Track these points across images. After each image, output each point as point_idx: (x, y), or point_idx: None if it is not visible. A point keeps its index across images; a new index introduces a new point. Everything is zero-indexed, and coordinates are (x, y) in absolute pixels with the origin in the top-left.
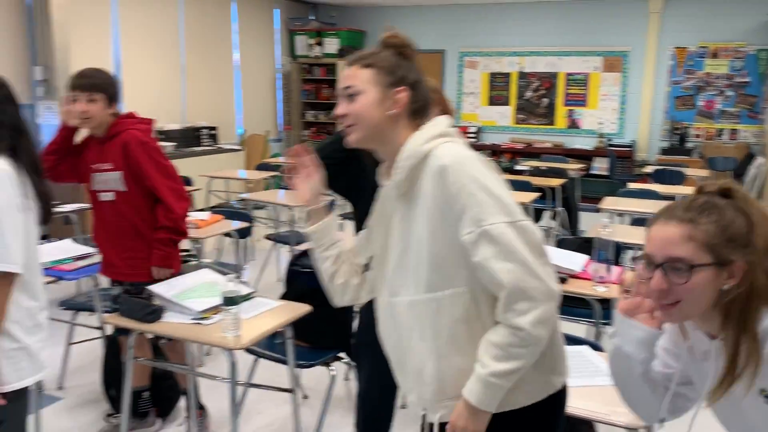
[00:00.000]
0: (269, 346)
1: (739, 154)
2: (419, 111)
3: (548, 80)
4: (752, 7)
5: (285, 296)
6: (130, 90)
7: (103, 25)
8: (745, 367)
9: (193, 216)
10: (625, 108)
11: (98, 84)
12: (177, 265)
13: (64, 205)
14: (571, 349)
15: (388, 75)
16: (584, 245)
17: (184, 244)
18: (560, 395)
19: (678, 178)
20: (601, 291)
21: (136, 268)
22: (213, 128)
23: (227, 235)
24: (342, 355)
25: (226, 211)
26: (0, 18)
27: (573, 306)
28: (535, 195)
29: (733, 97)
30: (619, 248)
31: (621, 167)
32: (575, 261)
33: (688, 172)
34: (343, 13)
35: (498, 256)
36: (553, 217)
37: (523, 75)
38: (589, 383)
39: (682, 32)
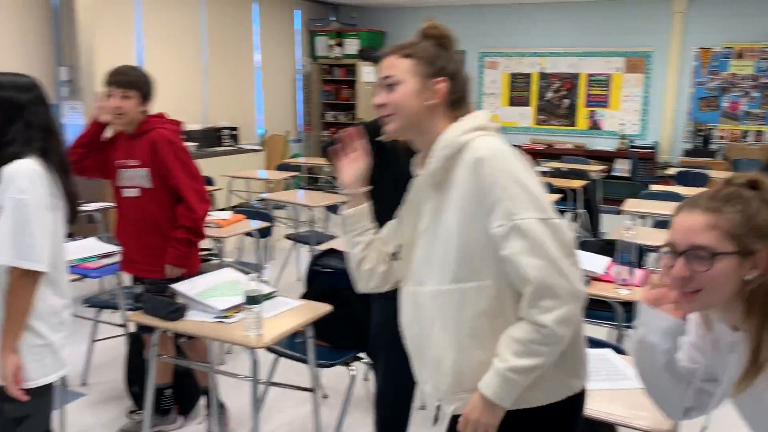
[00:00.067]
0: (290, 346)
1: (764, 155)
2: (457, 102)
3: (569, 81)
4: None
5: (305, 296)
6: None
7: (126, 26)
8: None
9: (215, 215)
10: (648, 109)
11: (134, 81)
12: (194, 265)
13: (88, 204)
14: (593, 352)
15: (428, 65)
16: (606, 247)
17: (206, 243)
18: (578, 398)
19: (701, 180)
20: (623, 294)
21: (155, 265)
22: (234, 129)
23: (248, 234)
24: (362, 355)
25: (247, 210)
26: (26, 20)
27: (595, 309)
28: (556, 197)
29: (758, 99)
30: (642, 251)
31: (643, 169)
32: (597, 263)
33: (712, 174)
34: (363, 14)
35: (527, 251)
36: (575, 219)
37: (544, 76)
38: (611, 386)
39: (706, 33)
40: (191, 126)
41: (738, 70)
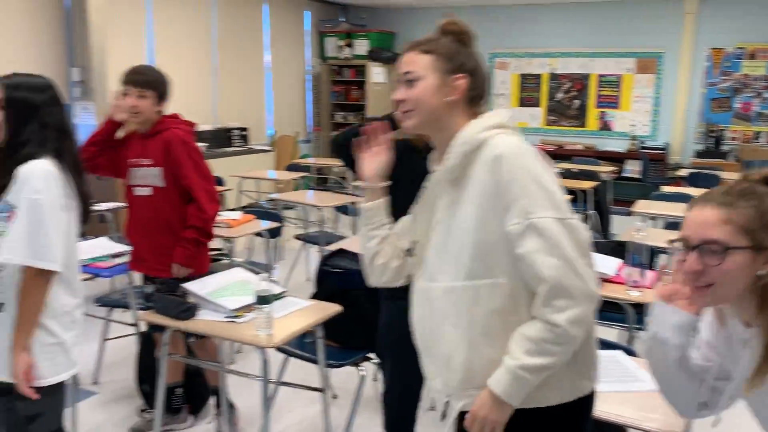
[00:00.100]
0: (299, 346)
1: None
2: (476, 99)
3: (580, 82)
4: None
5: (315, 296)
6: None
7: (138, 27)
8: None
9: (225, 215)
10: (659, 110)
11: (151, 81)
12: (203, 265)
13: (100, 204)
14: (604, 354)
15: (448, 61)
16: (617, 249)
17: (216, 242)
18: (588, 400)
19: (713, 182)
20: (634, 295)
21: (165, 264)
22: (244, 129)
23: (258, 234)
24: (371, 355)
25: (257, 211)
26: (39, 21)
27: (605, 310)
28: (566, 197)
29: None
30: (653, 252)
31: (654, 170)
32: (608, 265)
33: (724, 175)
34: (373, 15)
35: (543, 250)
36: (585, 220)
37: (554, 76)
38: (622, 388)
39: (718, 33)
40: (202, 126)
41: (750, 70)
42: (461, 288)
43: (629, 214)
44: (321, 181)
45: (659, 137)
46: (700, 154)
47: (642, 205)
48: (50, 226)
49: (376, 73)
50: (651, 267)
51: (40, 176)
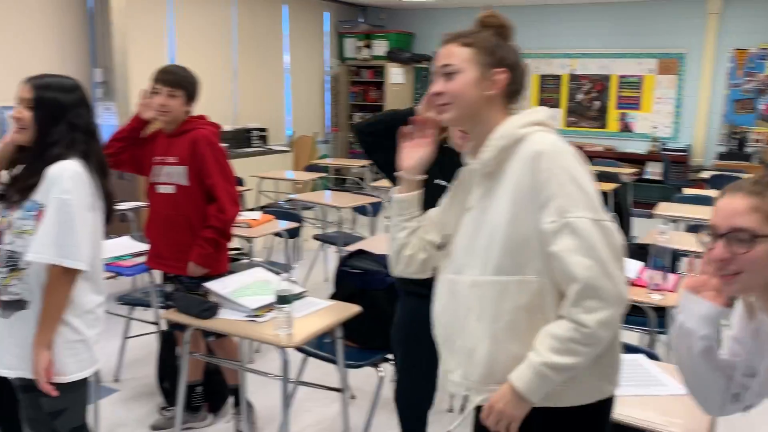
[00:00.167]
0: (318, 346)
1: None
2: (514, 93)
3: (600, 82)
4: None
5: (334, 296)
6: None
7: (159, 29)
8: None
9: (245, 215)
10: (681, 111)
11: (181, 81)
12: (222, 266)
13: (122, 203)
14: (626, 358)
15: (489, 55)
16: (638, 252)
17: (236, 242)
18: (608, 403)
19: None
20: (656, 299)
21: (182, 261)
22: (263, 130)
23: (277, 234)
24: (390, 356)
25: (276, 211)
26: (62, 22)
27: (627, 313)
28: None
29: None
30: (675, 255)
31: (675, 172)
32: (630, 268)
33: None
34: (392, 16)
35: (577, 250)
36: None
37: (574, 77)
38: (644, 392)
39: (742, 33)
40: (222, 127)
41: None
42: (489, 283)
43: (650, 216)
44: (339, 182)
45: (681, 139)
46: (722, 156)
47: (664, 208)
48: (78, 225)
49: (395, 74)
50: (673, 270)
51: (69, 177)
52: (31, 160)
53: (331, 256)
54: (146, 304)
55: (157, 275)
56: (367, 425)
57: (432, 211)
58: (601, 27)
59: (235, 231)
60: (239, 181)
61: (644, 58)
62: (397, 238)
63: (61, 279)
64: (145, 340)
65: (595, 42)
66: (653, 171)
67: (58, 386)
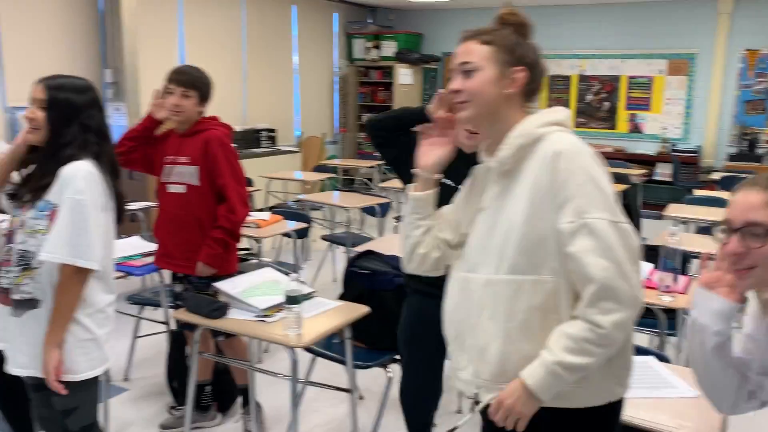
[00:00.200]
0: (327, 346)
1: None
2: (532, 92)
3: (610, 83)
4: None
5: (342, 297)
6: None
7: (169, 30)
8: None
9: (254, 216)
10: (691, 112)
11: (195, 81)
12: (231, 266)
13: (132, 203)
14: (636, 360)
15: (508, 53)
16: (648, 253)
17: (245, 242)
18: (617, 406)
19: None
20: (666, 300)
21: (191, 261)
22: (272, 130)
23: (286, 235)
24: (399, 357)
25: (284, 211)
26: (73, 23)
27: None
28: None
29: None
30: (686, 257)
31: (685, 173)
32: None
33: None
34: (400, 16)
35: (595, 251)
36: None
37: (583, 78)
38: (654, 395)
39: (753, 34)
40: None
41: None
42: (503, 281)
43: (660, 217)
44: (347, 182)
45: (691, 140)
46: (733, 158)
47: (674, 209)
48: (91, 226)
49: (404, 75)
50: (683, 272)
51: (83, 177)
52: (44, 161)
53: (340, 257)
54: (156, 304)
55: (167, 275)
56: (376, 426)
57: (445, 209)
58: (611, 28)
59: (244, 231)
60: (248, 182)
61: (654, 59)
62: (412, 236)
63: (74, 278)
64: (155, 340)
65: (605, 43)
66: (663, 172)
67: (69, 385)
